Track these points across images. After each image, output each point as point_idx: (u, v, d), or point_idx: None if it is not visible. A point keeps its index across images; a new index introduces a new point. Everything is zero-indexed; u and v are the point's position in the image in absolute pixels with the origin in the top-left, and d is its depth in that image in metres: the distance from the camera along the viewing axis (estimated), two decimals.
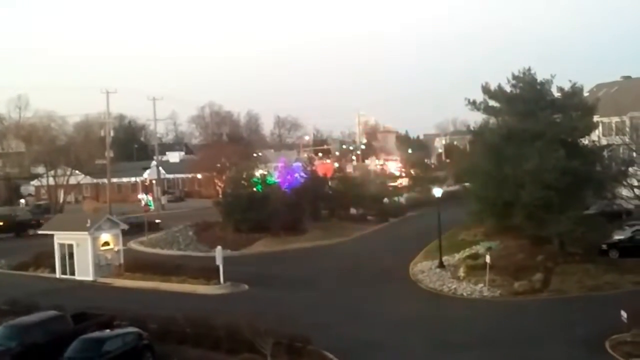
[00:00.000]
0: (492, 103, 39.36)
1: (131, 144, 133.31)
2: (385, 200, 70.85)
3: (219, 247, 37.31)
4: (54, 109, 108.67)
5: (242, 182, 57.59)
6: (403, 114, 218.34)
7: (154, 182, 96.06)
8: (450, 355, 23.47)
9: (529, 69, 38.14)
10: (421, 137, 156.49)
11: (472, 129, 42.72)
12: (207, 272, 37.41)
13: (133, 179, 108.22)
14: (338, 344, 24.41)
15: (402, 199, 75.62)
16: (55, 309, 26.42)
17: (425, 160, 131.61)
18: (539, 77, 38.04)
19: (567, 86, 38.05)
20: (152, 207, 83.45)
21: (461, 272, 36.15)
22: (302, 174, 63.63)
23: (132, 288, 37.78)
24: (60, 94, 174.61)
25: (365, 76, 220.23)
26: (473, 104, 39.04)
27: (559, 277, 33.29)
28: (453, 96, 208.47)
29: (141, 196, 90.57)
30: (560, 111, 37.92)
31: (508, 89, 38.58)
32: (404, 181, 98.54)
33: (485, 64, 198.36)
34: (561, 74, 38.70)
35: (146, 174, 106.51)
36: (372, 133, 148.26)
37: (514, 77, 38.30)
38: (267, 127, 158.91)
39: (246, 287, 37.00)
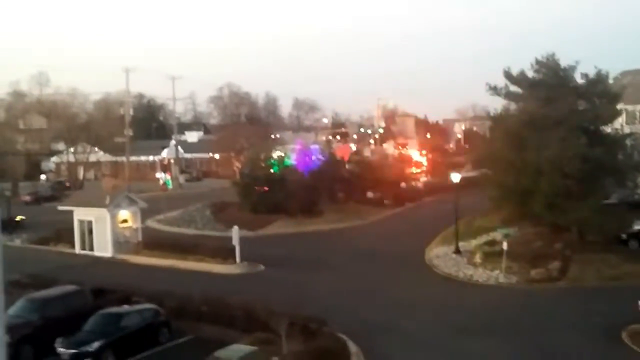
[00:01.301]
0: (513, 89, 39.00)
1: (150, 123, 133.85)
2: (403, 184, 70.63)
3: (235, 227, 37.48)
4: (75, 87, 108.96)
5: (260, 163, 57.70)
6: (422, 98, 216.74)
7: (172, 161, 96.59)
8: (465, 341, 23.45)
9: (553, 55, 37.69)
10: (440, 122, 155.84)
11: (492, 114, 42.38)
12: (224, 252, 37.65)
13: (151, 158, 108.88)
14: (352, 326, 24.48)
15: (420, 184, 75.42)
16: (75, 284, 26.77)
17: (444, 145, 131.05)
18: (563, 63, 37.60)
19: (591, 73, 37.55)
20: (170, 186, 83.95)
21: (477, 258, 36.06)
22: (320, 156, 63.53)
23: (149, 265, 38.13)
24: (81, 73, 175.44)
25: (385, 60, 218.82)
26: (494, 90, 38.70)
27: (577, 266, 33.10)
28: (474, 81, 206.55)
29: (159, 175, 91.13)
30: (584, 98, 37.47)
31: (530, 74, 38.18)
32: (422, 166, 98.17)
33: (507, 49, 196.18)
34: (586, 60, 38.17)
35: (164, 153, 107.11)
36: (390, 117, 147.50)
37: (537, 63, 37.86)
38: (286, 109, 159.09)
39: (262, 267, 37.21)
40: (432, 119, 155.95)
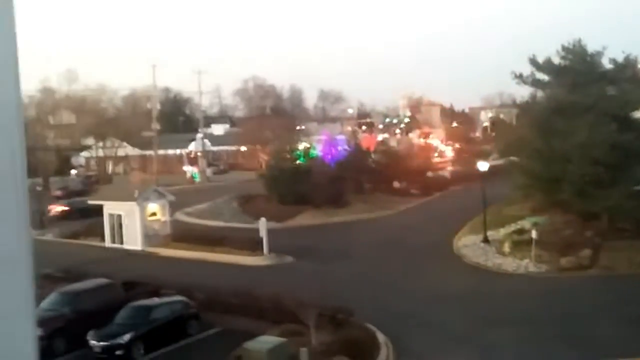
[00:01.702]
0: (540, 76, 38.42)
1: (177, 117, 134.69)
2: (429, 174, 70.20)
3: (262, 219, 37.53)
4: (103, 83, 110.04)
5: (286, 154, 57.70)
6: (448, 86, 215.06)
7: (199, 154, 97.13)
8: (494, 331, 23.23)
9: (579, 41, 37.04)
10: (466, 110, 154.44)
11: (519, 102, 41.86)
12: (252, 244, 37.72)
13: (179, 151, 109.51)
14: (380, 316, 24.40)
15: (447, 173, 74.91)
16: (106, 277, 27.03)
17: (470, 134, 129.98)
18: (590, 49, 36.92)
19: (620, 58, 36.83)
20: (198, 179, 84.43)
21: (506, 247, 35.68)
22: (346, 147, 63.34)
23: (178, 258, 38.37)
24: (109, 68, 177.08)
25: (411, 48, 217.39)
26: (520, 77, 38.17)
27: (607, 254, 32.55)
28: (500, 69, 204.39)
29: (186, 168, 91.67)
30: (612, 83, 36.78)
31: (557, 61, 37.56)
32: (449, 155, 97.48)
33: (533, 37, 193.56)
34: (614, 45, 37.47)
35: (191, 146, 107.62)
36: (415, 106, 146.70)
37: (564, 49, 37.23)
38: (310, 100, 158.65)
39: (290, 258, 37.23)
40: (458, 107, 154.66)
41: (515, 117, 69.47)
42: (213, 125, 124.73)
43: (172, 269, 33.96)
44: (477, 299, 27.65)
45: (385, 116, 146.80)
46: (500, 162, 70.87)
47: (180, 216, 53.37)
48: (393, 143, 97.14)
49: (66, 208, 54.52)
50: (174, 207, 46.92)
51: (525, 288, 29.51)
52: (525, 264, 32.83)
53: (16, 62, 2.20)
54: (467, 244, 38.52)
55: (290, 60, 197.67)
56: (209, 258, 37.53)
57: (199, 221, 52.37)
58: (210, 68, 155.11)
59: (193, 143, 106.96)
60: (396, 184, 63.24)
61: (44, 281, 27.43)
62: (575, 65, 36.80)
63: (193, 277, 29.84)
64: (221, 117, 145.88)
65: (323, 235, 44.42)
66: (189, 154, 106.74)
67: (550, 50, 37.86)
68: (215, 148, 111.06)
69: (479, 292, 29.17)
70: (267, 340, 19.88)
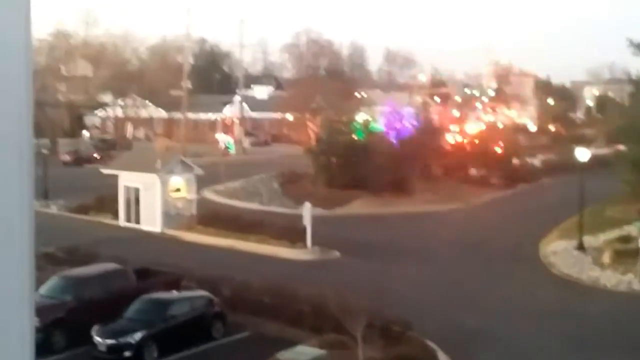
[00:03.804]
0: None
1: (212, 74, 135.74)
2: (515, 161, 69.37)
3: (307, 204, 37.62)
4: (127, 28, 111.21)
5: (340, 127, 57.63)
6: (546, 54, 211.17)
7: (235, 120, 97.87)
8: (587, 359, 22.92)
9: None
10: (567, 84, 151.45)
11: (634, 77, 40.90)
12: (292, 233, 37.92)
13: (212, 116, 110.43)
14: (444, 332, 24.30)
15: (537, 161, 74.00)
16: (117, 262, 27.53)
17: (570, 114, 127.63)
18: None
19: None
20: (232, 151, 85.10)
21: (606, 258, 35.07)
22: (414, 122, 62.96)
23: (204, 244, 38.84)
24: (135, 11, 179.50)
25: (500, 2, 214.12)
26: (637, 47, 37.24)
27: None
28: (612, 34, 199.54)
29: (220, 137, 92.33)
30: None
31: None
32: (540, 139, 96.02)
33: None
34: None
35: (227, 111, 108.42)
36: (504, 76, 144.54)
37: None
38: (375, 62, 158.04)
39: (337, 254, 37.30)
40: (556, 80, 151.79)
41: (629, 96, 67.87)
42: (254, 87, 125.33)
43: (195, 258, 34.32)
44: (567, 318, 27.25)
45: (465, 86, 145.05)
46: (605, 151, 69.73)
47: (209, 194, 53.98)
48: (473, 120, 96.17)
49: None
50: (201, 183, 47.45)
51: (626, 309, 28.97)
52: (628, 280, 32.20)
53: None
54: (557, 250, 38.02)
55: (352, 10, 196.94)
56: (240, 247, 37.88)
57: (231, 202, 52.88)
58: (255, 16, 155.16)
59: (229, 107, 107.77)
60: (473, 171, 62.68)
61: (44, 262, 28.11)
62: None
63: (220, 268, 30.15)
64: (265, 77, 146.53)
65: (379, 228, 44.32)
66: (224, 119, 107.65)
67: None
68: (255, 114, 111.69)
69: (569, 309, 28.73)
70: (305, 352, 20.02)
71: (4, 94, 2.19)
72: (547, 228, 42.92)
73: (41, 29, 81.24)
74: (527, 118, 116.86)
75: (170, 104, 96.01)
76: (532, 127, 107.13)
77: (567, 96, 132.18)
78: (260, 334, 23.86)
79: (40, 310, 20.54)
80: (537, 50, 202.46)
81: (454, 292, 30.70)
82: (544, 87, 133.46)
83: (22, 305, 2.27)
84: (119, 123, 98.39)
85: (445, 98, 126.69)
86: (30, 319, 2.31)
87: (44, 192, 47.97)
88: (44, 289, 23.88)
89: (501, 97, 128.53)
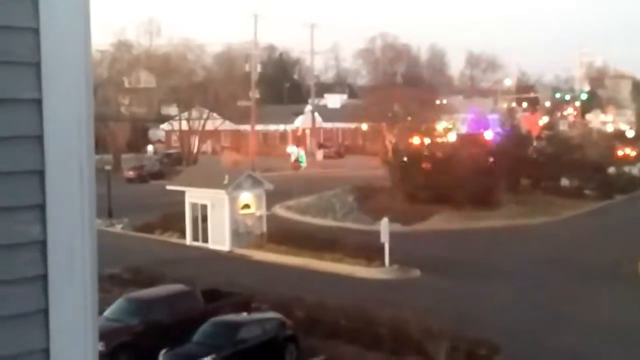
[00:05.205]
0: None
1: (282, 83, 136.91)
2: (611, 170, 68.24)
3: (385, 220, 37.51)
4: (191, 37, 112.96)
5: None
6: None
7: (307, 132, 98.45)
8: None
9: None
10: None
11: None
12: (369, 251, 37.88)
13: (282, 127, 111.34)
14: (535, 356, 23.92)
15: (636, 170, 72.76)
16: (184, 283, 27.93)
17: None
18: None
19: None
20: (304, 164, 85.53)
21: None
22: (499, 129, 62.49)
23: (275, 264, 39.06)
24: (198, 18, 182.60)
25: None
26: None
27: None
28: None
29: (290, 149, 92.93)
30: None
31: None
32: None
33: None
34: None
35: (298, 122, 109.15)
36: (598, 78, 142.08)
37: None
38: (456, 66, 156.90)
39: (418, 272, 37.13)
40: None
41: None
42: (327, 95, 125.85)
43: (266, 278, 34.60)
44: None
45: (555, 90, 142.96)
46: None
47: (280, 211, 54.36)
48: (564, 127, 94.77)
49: None
50: (272, 199, 47.79)
51: None
52: None
53: (87, 8, 2.26)
54: None
55: (430, 11, 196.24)
56: (314, 266, 38.01)
57: (303, 218, 53.13)
58: (327, 20, 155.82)
59: (301, 117, 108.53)
60: (564, 182, 61.97)
61: (109, 284, 28.75)
62: None
63: (292, 289, 30.30)
64: (338, 84, 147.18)
65: (463, 245, 43.99)
66: (294, 131, 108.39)
67: None
68: (328, 125, 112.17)
69: None
70: None
71: (63, 108, 2.24)
72: None
73: (102, 39, 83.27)
74: (624, 123, 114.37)
75: (237, 116, 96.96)
76: (630, 133, 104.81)
77: None
78: (336, 358, 23.87)
79: (105, 334, 20.95)
80: (636, 48, 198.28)
81: (546, 312, 30.20)
82: None
83: (86, 329, 2.30)
84: (185, 136, 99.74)
85: (534, 103, 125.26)
86: (94, 343, 2.34)
87: (107, 210, 49.03)
88: (109, 312, 24.38)
89: (595, 101, 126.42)
